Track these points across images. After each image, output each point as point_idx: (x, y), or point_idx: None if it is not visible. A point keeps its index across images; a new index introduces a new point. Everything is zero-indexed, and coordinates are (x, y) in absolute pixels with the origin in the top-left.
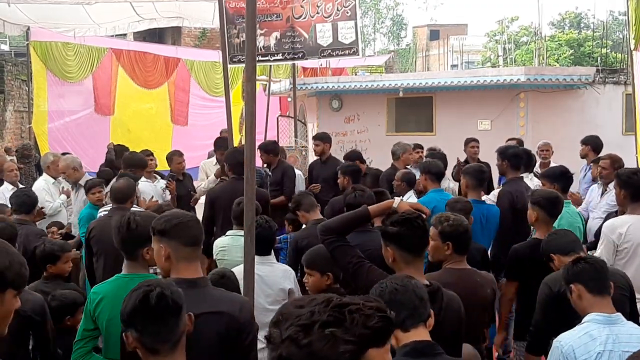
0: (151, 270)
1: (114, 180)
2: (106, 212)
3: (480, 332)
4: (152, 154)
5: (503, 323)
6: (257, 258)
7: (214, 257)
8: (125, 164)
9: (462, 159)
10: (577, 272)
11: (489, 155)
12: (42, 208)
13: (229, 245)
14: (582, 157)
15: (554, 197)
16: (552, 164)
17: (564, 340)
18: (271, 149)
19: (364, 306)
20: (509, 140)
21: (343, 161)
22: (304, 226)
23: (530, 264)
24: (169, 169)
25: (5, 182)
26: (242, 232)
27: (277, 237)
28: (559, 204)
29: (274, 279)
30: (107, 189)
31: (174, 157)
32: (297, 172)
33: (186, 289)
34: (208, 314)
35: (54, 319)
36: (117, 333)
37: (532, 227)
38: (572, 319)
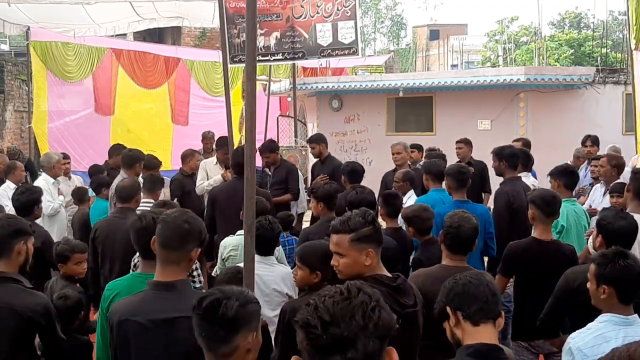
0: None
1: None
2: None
3: None
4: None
5: None
6: (258, 257)
7: (224, 255)
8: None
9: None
10: (615, 276)
11: (489, 155)
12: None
13: (240, 245)
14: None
15: (550, 197)
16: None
17: (576, 339)
18: (273, 147)
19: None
20: (514, 140)
21: (341, 160)
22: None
23: (527, 262)
24: (169, 168)
25: (7, 181)
26: None
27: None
28: (555, 203)
29: (271, 279)
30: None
31: (194, 154)
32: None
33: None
34: (182, 319)
35: (65, 321)
36: None
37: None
38: (588, 314)
